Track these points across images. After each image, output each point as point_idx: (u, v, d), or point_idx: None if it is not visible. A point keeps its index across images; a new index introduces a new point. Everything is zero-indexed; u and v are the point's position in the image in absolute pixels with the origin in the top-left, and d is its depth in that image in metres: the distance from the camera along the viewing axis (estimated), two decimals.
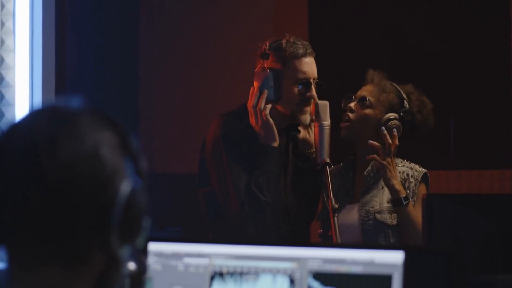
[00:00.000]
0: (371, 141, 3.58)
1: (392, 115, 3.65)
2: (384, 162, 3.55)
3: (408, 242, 3.56)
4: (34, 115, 1.42)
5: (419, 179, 3.67)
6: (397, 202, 3.56)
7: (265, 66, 3.60)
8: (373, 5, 5.69)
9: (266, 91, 3.59)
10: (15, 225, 1.36)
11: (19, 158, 1.36)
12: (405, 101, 3.68)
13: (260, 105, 3.57)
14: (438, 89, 5.39)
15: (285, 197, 3.65)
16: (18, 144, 1.37)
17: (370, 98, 3.67)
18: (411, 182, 3.66)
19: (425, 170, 3.70)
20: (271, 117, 3.60)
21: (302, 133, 3.70)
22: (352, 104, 3.69)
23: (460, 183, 5.44)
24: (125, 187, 1.39)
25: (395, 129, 3.61)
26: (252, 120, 3.61)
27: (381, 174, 3.57)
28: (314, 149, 3.65)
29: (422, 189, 3.67)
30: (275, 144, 3.60)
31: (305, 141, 3.71)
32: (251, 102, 3.60)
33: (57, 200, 1.35)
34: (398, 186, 3.56)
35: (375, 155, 3.57)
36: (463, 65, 5.56)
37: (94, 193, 1.36)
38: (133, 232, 1.41)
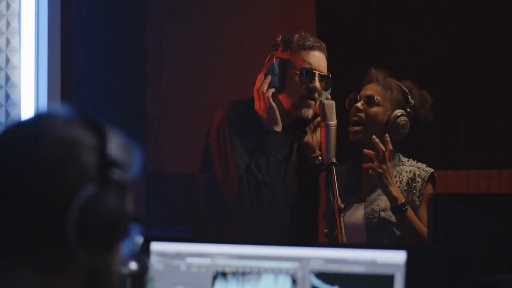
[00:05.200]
0: (366, 150, 3.57)
1: (399, 111, 3.66)
2: (380, 170, 3.53)
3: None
4: (13, 126, 1.41)
5: (426, 178, 3.66)
6: (396, 210, 3.54)
7: (274, 55, 3.69)
8: (382, 5, 5.68)
9: (269, 76, 3.66)
10: None
11: None
12: (409, 96, 3.69)
13: (262, 88, 3.64)
14: (448, 89, 5.38)
15: (283, 192, 3.67)
16: None
17: (377, 97, 3.68)
18: (418, 182, 3.65)
19: (432, 170, 3.69)
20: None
21: (307, 137, 3.72)
22: (359, 104, 3.69)
23: (468, 182, 5.42)
24: (88, 189, 1.35)
25: (387, 134, 3.59)
26: (256, 104, 3.67)
27: (378, 182, 3.56)
28: (316, 154, 3.69)
29: (429, 189, 3.66)
30: (278, 129, 3.66)
31: (308, 145, 3.73)
32: (256, 87, 3.66)
33: (12, 201, 1.34)
34: (395, 193, 3.54)
35: (371, 164, 3.55)
36: (473, 65, 5.54)
37: (49, 192, 1.34)
38: (103, 239, 1.36)
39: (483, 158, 5.45)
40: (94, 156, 1.38)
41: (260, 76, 3.68)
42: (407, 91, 3.70)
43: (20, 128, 1.40)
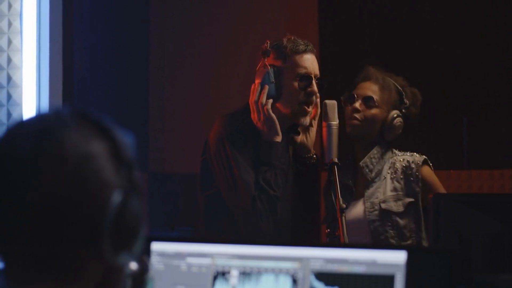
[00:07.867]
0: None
1: (396, 113, 3.72)
2: None
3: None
4: (18, 132, 1.40)
5: (420, 163, 3.70)
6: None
7: (266, 63, 3.62)
8: (383, 5, 5.68)
9: (266, 86, 3.60)
10: (7, 242, 1.38)
11: (4, 180, 1.37)
12: (404, 96, 3.74)
13: (261, 100, 3.59)
14: (451, 89, 5.38)
15: (286, 198, 3.66)
16: (2, 166, 1.38)
17: (377, 98, 3.70)
18: (413, 168, 3.69)
19: (425, 156, 3.73)
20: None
21: (301, 137, 3.70)
22: (357, 104, 3.70)
23: (470, 182, 5.42)
24: (116, 197, 1.38)
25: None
26: (254, 116, 3.62)
27: None
28: (311, 154, 3.67)
29: (427, 170, 3.71)
30: (279, 139, 3.61)
31: (303, 146, 3.70)
32: (252, 98, 3.61)
33: (43, 219, 1.35)
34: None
35: None
36: (475, 64, 5.54)
37: (81, 208, 1.35)
38: (127, 241, 1.39)
39: (485, 158, 5.44)
40: (113, 164, 1.40)
41: (256, 87, 3.61)
42: (401, 90, 3.75)
43: (30, 139, 1.39)
